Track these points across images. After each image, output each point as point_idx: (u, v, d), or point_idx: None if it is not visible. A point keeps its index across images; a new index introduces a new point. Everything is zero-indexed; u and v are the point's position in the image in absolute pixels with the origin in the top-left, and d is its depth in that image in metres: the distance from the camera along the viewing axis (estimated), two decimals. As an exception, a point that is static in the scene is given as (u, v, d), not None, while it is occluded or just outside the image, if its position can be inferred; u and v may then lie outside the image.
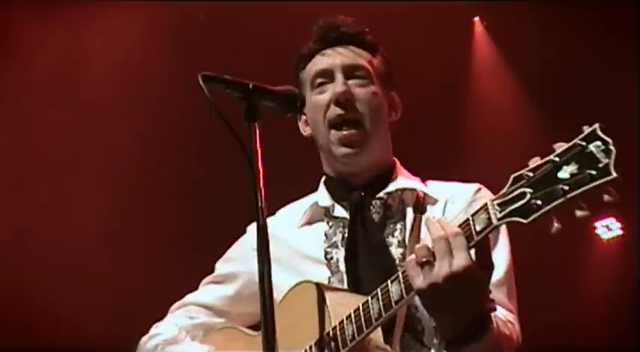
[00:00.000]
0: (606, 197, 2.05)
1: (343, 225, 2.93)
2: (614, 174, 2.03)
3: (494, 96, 7.38)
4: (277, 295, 2.51)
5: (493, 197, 2.79)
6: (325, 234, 2.95)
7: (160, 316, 3.24)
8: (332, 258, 2.89)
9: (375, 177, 2.95)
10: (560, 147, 2.14)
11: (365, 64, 2.97)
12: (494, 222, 2.23)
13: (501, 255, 2.76)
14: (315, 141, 3.04)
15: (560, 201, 2.10)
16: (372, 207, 2.90)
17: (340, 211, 2.96)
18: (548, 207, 2.13)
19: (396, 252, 2.83)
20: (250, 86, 2.54)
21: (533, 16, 6.76)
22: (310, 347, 2.65)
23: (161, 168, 6.42)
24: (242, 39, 6.26)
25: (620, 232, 7.93)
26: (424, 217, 2.85)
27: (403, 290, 2.43)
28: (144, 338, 3.14)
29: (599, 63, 6.75)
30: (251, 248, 3.02)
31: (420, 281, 2.30)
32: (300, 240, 2.97)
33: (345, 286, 2.82)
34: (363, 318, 2.54)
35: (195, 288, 3.24)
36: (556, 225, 2.13)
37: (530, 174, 2.18)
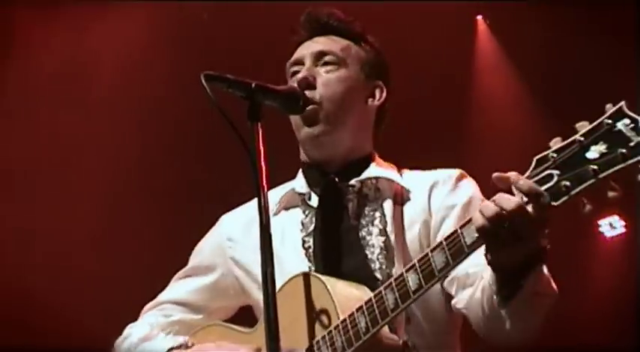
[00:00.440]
0: None
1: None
2: None
3: (496, 93, 7.38)
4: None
5: (474, 184, 2.80)
6: (302, 223, 2.92)
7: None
8: (309, 247, 2.87)
9: (349, 164, 2.92)
10: (584, 126, 2.09)
11: (335, 49, 2.97)
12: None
13: None
14: None
15: (591, 181, 2.04)
16: (346, 195, 2.88)
17: (315, 200, 2.93)
18: (579, 189, 2.07)
19: (376, 240, 2.80)
20: (253, 85, 2.54)
21: (534, 15, 6.76)
22: (317, 342, 2.61)
23: (163, 169, 6.41)
24: (245, 38, 6.25)
25: (624, 230, 7.92)
26: (405, 208, 2.84)
27: (422, 279, 2.42)
28: (118, 340, 3.07)
29: (600, 62, 6.75)
30: (226, 238, 3.05)
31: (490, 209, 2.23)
32: (277, 227, 2.86)
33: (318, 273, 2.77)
34: (377, 310, 2.51)
35: None
36: (588, 206, 2.08)
37: (555, 156, 2.11)
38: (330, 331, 2.60)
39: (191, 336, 3.01)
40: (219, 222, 3.13)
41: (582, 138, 2.07)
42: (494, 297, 2.40)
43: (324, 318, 2.62)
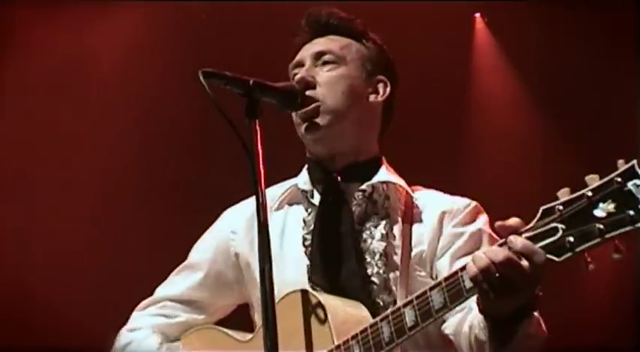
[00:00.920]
0: None
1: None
2: None
3: (494, 92, 7.37)
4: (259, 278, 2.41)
5: (486, 218, 2.74)
6: (304, 221, 2.91)
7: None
8: (309, 245, 2.86)
9: (355, 165, 2.92)
10: (594, 180, 2.07)
11: (334, 48, 2.98)
12: None
13: None
14: None
15: (597, 241, 2.04)
16: (354, 199, 2.86)
17: (318, 198, 2.92)
18: (583, 247, 2.06)
19: (377, 245, 2.80)
20: (251, 82, 2.55)
21: (533, 15, 6.75)
22: None
23: (164, 168, 6.40)
24: (242, 38, 6.25)
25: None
26: (414, 222, 2.82)
27: (418, 317, 2.42)
28: (118, 345, 3.02)
29: (599, 62, 6.73)
30: (230, 231, 3.03)
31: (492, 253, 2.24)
32: (279, 222, 2.91)
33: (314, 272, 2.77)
34: (371, 342, 2.50)
35: None
36: (591, 266, 2.09)
37: (562, 208, 2.09)
38: None
39: (182, 338, 2.97)
40: (222, 216, 3.13)
41: (591, 194, 2.05)
42: (486, 346, 2.41)
43: (319, 340, 2.59)
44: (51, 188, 6.14)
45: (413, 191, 2.94)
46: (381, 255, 2.77)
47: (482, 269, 2.23)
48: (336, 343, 2.56)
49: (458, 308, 2.56)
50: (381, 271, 2.76)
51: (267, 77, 2.71)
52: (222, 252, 3.05)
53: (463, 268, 2.32)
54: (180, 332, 3.01)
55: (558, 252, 2.11)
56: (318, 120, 2.87)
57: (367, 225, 2.84)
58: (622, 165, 2.03)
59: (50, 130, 6.14)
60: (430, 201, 2.90)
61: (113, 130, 6.27)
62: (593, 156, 5.72)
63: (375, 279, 2.75)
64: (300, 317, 2.61)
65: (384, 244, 2.79)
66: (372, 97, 3.00)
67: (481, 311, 2.37)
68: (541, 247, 2.15)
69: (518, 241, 2.19)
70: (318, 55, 2.97)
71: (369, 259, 2.78)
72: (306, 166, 3.03)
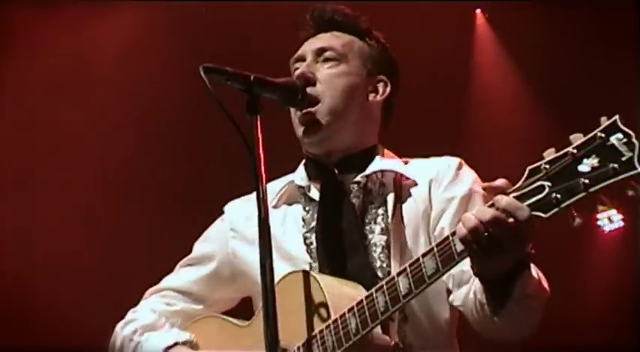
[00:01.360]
0: (630, 192, 2.02)
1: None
2: (639, 168, 1.98)
3: (495, 89, 7.38)
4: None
5: (474, 174, 2.81)
6: (303, 219, 2.91)
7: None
8: (311, 244, 2.87)
9: (350, 156, 2.92)
10: (578, 138, 2.10)
11: (336, 45, 2.97)
12: None
13: None
14: None
15: (582, 195, 2.06)
16: (351, 191, 2.86)
17: (316, 193, 2.93)
18: (569, 202, 2.08)
19: (378, 239, 2.80)
20: (252, 78, 2.55)
21: (533, 14, 6.76)
22: (309, 341, 2.61)
23: (164, 168, 6.41)
24: (243, 36, 6.26)
25: (622, 224, 7.92)
26: (405, 206, 2.83)
27: (412, 285, 2.44)
28: (120, 324, 3.09)
29: (599, 61, 6.75)
30: (229, 228, 3.05)
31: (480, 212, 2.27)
32: (278, 220, 2.91)
33: (320, 270, 2.79)
34: (367, 312, 2.52)
35: None
36: (577, 220, 2.11)
37: (548, 167, 2.13)
38: (322, 330, 2.60)
39: (189, 326, 3.03)
40: (225, 211, 3.13)
41: (575, 151, 2.09)
42: (485, 307, 2.45)
43: (317, 316, 2.62)
44: (51, 188, 6.14)
45: (405, 163, 2.95)
46: (382, 248, 2.78)
47: (471, 230, 2.26)
48: (333, 317, 2.59)
49: (464, 280, 2.63)
50: (384, 265, 2.76)
51: (265, 75, 2.70)
52: (221, 248, 3.07)
53: (454, 232, 2.35)
54: (179, 319, 3.07)
55: (545, 209, 2.14)
56: (317, 117, 2.88)
57: (367, 220, 2.84)
58: (605, 122, 2.07)
59: (50, 130, 6.15)
60: (418, 170, 2.91)
61: (114, 130, 6.27)
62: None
63: (379, 273, 2.76)
64: (299, 296, 2.63)
65: (384, 237, 2.80)
66: (371, 96, 3.00)
67: (475, 274, 2.41)
68: (528, 205, 2.18)
69: (503, 199, 2.23)
70: (320, 51, 2.97)
71: (372, 254, 2.79)
72: (302, 162, 3.04)
